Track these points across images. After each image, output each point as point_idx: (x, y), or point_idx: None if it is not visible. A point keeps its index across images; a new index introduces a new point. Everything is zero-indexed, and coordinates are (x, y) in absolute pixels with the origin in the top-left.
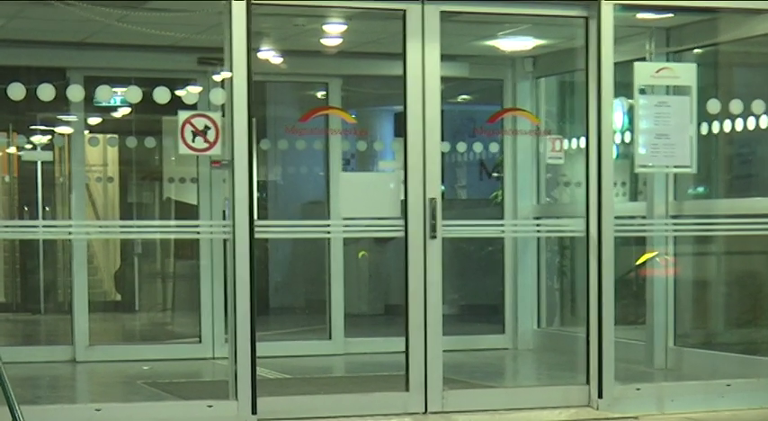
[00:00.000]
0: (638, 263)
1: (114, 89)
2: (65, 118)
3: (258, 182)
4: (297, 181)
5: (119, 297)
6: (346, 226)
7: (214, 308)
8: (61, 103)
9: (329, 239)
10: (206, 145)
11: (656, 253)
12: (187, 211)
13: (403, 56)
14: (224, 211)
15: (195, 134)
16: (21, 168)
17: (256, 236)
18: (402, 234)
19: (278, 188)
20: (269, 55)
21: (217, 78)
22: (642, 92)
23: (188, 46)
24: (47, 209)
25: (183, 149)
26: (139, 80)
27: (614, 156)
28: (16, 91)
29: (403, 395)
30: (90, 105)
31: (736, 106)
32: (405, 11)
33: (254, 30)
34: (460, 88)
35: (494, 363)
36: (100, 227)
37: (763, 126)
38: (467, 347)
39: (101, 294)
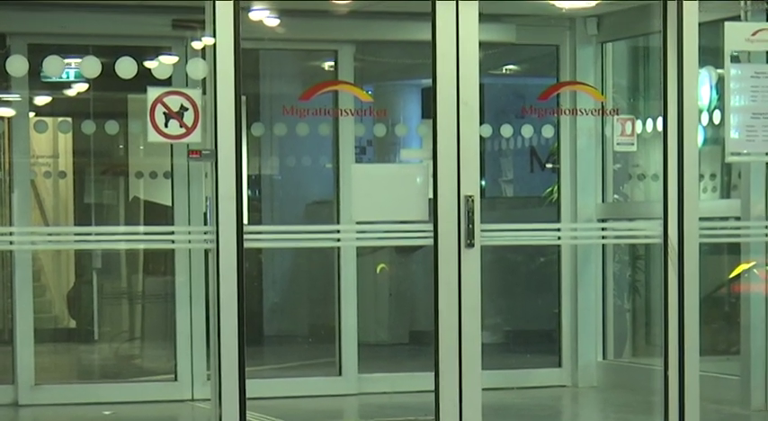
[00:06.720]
0: (730, 276)
1: (67, 60)
2: (4, 97)
3: (249, 177)
4: (298, 175)
5: (73, 323)
6: (360, 232)
7: (193, 337)
8: None
9: (339, 249)
10: (182, 130)
11: (753, 263)
12: (159, 215)
13: (432, 16)
14: (205, 214)
15: (169, 116)
16: None
17: (246, 245)
18: (431, 242)
19: (274, 184)
20: (262, 15)
21: (196, 46)
22: (735, 60)
23: (160, 5)
24: None
25: (153, 136)
26: (99, 49)
27: (700, 141)
28: None
29: None
30: (36, 81)
31: None
32: None
33: None
34: (506, 57)
35: (548, 404)
36: (49, 234)
37: None
38: (513, 384)
39: (50, 320)
